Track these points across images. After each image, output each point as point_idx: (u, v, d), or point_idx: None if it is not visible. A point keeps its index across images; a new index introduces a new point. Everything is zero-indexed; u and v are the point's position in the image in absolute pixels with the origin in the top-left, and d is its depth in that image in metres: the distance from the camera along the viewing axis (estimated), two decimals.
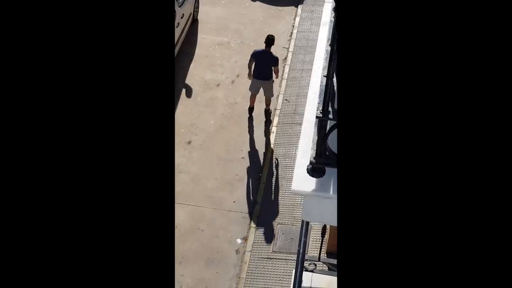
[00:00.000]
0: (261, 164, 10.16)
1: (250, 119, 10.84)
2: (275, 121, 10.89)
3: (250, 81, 10.51)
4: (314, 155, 4.06)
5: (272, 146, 10.45)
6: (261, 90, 10.51)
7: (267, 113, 10.82)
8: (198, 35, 12.18)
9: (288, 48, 12.12)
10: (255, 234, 9.19)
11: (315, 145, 4.06)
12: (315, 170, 4.08)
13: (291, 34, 12.40)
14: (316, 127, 4.05)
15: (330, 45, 3.91)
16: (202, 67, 11.59)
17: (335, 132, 3.97)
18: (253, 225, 9.31)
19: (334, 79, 3.98)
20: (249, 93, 10.70)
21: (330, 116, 3.82)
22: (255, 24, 12.00)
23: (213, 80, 11.39)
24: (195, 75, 11.41)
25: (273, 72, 10.28)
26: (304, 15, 12.93)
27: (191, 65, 11.62)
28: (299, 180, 4.15)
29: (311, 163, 4.07)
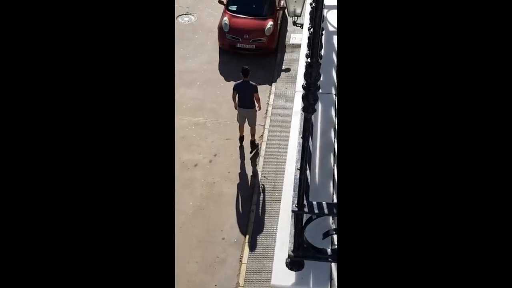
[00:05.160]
0: (242, 244, 10.03)
1: (241, 148, 11.57)
2: (254, 198, 10.86)
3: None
4: (292, 248, 4.03)
5: (252, 224, 10.36)
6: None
7: (253, 144, 11.60)
8: (175, 117, 12.29)
9: (264, 125, 12.27)
10: None
11: (292, 238, 4.03)
12: (294, 263, 4.04)
13: (266, 112, 12.59)
14: (293, 220, 4.04)
15: (302, 137, 3.96)
16: (179, 148, 11.63)
17: (311, 224, 3.97)
18: None
19: (308, 172, 4.01)
20: (227, 173, 10.75)
21: (306, 209, 3.81)
22: (230, 103, 12.17)
23: (191, 161, 11.40)
24: None
25: (254, 101, 10.96)
26: (278, 92, 13.19)
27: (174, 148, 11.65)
28: (278, 274, 4.09)
29: (289, 256, 4.03)
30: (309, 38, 3.22)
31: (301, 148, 3.86)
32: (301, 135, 4.05)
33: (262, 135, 12.04)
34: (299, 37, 14.36)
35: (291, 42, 14.67)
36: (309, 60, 3.11)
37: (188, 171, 11.20)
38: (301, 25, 11.43)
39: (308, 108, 3.32)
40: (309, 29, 3.26)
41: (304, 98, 3.27)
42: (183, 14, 15.38)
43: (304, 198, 3.84)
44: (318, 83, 3.40)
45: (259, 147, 11.71)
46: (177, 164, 11.30)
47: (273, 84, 13.35)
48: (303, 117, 3.98)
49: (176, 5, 15.56)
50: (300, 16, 11.32)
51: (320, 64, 3.13)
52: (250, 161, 11.53)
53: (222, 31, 13.93)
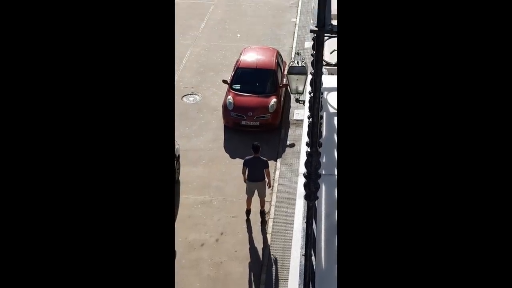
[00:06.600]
0: None
1: (248, 221, 11.61)
2: (262, 277, 10.67)
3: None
4: None
5: None
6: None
7: (262, 214, 11.76)
8: (181, 196, 12.30)
9: (270, 202, 12.23)
10: None
11: None
12: None
13: (272, 188, 12.58)
14: None
15: (305, 223, 3.96)
16: (185, 227, 11.56)
17: None
18: None
19: (313, 258, 3.97)
20: (234, 251, 10.64)
21: None
22: (236, 180, 12.21)
23: (197, 240, 11.30)
24: (178, 236, 11.34)
25: (265, 174, 11.32)
26: (284, 168, 13.24)
27: (174, 226, 11.60)
28: None
29: None
30: (308, 127, 3.28)
31: (305, 234, 3.84)
32: (305, 221, 4.04)
33: (269, 211, 11.98)
34: (302, 112, 14.56)
35: (294, 118, 14.87)
36: (309, 149, 3.16)
37: (194, 251, 11.07)
38: (304, 102, 11.63)
39: (310, 196, 3.33)
40: (308, 118, 3.34)
41: (305, 186, 3.30)
42: (188, 94, 15.71)
43: (310, 285, 3.78)
44: (321, 166, 3.43)
45: (267, 223, 11.65)
46: (183, 244, 11.19)
47: (278, 160, 13.43)
48: (305, 206, 3.98)
49: (181, 86, 15.93)
50: (302, 93, 11.53)
51: (320, 153, 3.17)
52: (257, 238, 11.42)
53: (226, 109, 14.19)
